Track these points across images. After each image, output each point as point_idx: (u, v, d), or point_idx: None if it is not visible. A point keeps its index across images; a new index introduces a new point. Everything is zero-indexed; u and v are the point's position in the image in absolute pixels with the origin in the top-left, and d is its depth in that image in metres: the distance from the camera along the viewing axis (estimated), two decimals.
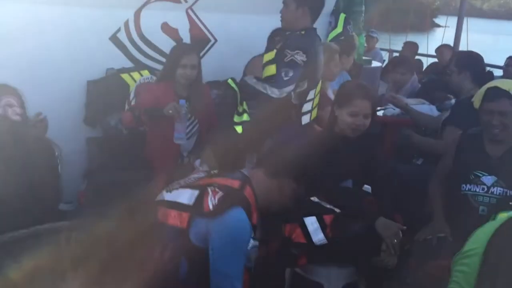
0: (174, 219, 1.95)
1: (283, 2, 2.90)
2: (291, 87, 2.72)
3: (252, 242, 2.02)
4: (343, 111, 2.56)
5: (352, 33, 4.48)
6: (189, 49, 3.19)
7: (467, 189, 2.57)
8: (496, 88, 2.60)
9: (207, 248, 1.90)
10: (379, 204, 2.52)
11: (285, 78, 2.69)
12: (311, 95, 2.87)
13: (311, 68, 2.81)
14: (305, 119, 2.90)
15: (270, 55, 2.84)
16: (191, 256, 1.93)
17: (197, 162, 3.13)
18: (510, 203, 2.27)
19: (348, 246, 2.30)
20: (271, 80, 2.77)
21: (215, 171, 2.18)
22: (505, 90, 2.53)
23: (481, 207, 2.53)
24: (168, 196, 2.06)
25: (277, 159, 2.20)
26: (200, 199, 1.95)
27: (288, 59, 2.70)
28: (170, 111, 2.84)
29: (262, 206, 2.06)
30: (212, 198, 1.93)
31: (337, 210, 2.38)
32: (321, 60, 2.92)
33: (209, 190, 1.96)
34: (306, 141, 2.71)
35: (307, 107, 2.88)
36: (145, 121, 2.96)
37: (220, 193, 1.94)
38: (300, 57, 2.72)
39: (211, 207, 1.91)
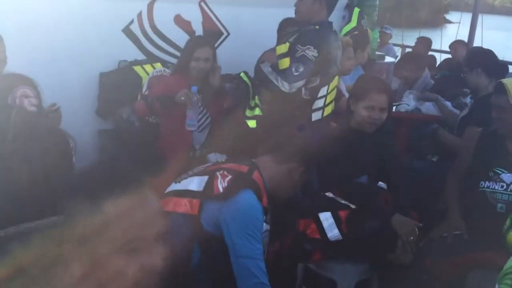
0: (185, 206, 1.96)
1: None
2: (301, 83, 2.69)
3: (264, 226, 2.02)
4: (359, 104, 2.55)
5: (366, 27, 4.44)
6: (203, 42, 3.17)
7: (485, 186, 2.54)
8: (499, 83, 2.60)
9: (220, 234, 1.90)
10: (395, 201, 2.49)
11: (295, 73, 2.66)
12: (323, 91, 2.83)
13: (324, 64, 2.77)
14: (317, 116, 2.86)
15: (284, 48, 2.80)
16: (203, 242, 1.94)
17: (211, 156, 3.12)
18: None
19: (363, 243, 2.27)
20: (283, 74, 2.74)
21: (223, 161, 2.21)
22: (503, 85, 2.51)
23: (499, 205, 2.49)
24: (177, 186, 2.08)
25: (287, 145, 2.20)
26: (210, 184, 1.97)
27: (299, 54, 2.67)
28: (182, 98, 2.83)
29: (270, 191, 2.07)
30: (222, 181, 1.95)
31: (353, 206, 2.36)
32: (336, 56, 2.87)
33: (218, 174, 1.98)
34: (319, 133, 2.69)
35: (318, 103, 2.84)
36: (158, 109, 2.95)
37: (229, 177, 1.96)
38: (311, 53, 2.68)
39: (221, 189, 1.93)
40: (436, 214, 2.79)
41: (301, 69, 2.69)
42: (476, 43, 6.69)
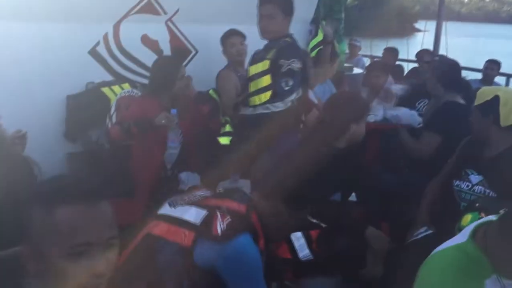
0: (178, 236, 1.89)
1: (266, 15, 2.86)
2: (294, 96, 2.71)
3: None
4: (360, 124, 2.60)
5: (334, 40, 4.51)
6: (182, 61, 3.20)
7: (455, 184, 2.65)
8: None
9: (211, 270, 1.85)
10: (366, 214, 2.52)
11: (286, 88, 2.68)
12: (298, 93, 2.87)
13: (305, 74, 2.81)
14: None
15: (263, 66, 2.79)
16: (193, 277, 1.86)
17: (182, 175, 3.11)
18: (477, 205, 2.33)
19: (334, 260, 2.28)
20: (265, 91, 2.74)
21: (221, 191, 2.15)
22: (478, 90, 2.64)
23: (462, 203, 2.59)
24: (171, 211, 2.01)
25: (268, 181, 2.19)
26: (208, 221, 1.90)
27: (285, 69, 2.69)
28: (163, 121, 2.83)
29: (264, 231, 2.03)
30: (221, 222, 1.88)
31: (323, 225, 2.37)
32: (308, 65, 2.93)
33: (218, 213, 1.91)
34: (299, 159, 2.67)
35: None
36: (135, 133, 2.92)
37: (228, 219, 1.90)
38: (296, 65, 2.72)
39: (219, 231, 1.86)
40: (406, 224, 2.85)
41: (290, 83, 2.72)
42: (441, 50, 6.87)
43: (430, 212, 2.73)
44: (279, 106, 2.70)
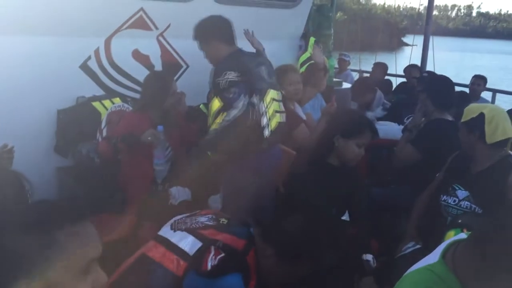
0: (172, 264, 1.88)
1: (199, 48, 3.00)
2: (244, 100, 2.72)
3: None
4: (350, 142, 2.56)
5: (323, 56, 4.57)
6: (172, 77, 3.21)
7: (443, 199, 2.71)
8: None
9: None
10: (358, 233, 2.55)
11: (232, 96, 2.70)
12: (262, 108, 2.88)
13: (250, 83, 2.81)
14: (266, 132, 2.90)
15: (217, 102, 2.81)
16: None
17: (173, 190, 3.12)
18: (459, 221, 2.37)
19: (322, 280, 2.29)
20: (218, 114, 2.76)
21: (224, 221, 2.09)
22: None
23: (449, 218, 2.65)
24: (170, 235, 2.00)
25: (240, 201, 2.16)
26: (201, 253, 1.88)
27: (223, 85, 2.73)
28: (149, 138, 2.83)
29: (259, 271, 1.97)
30: (213, 258, 1.85)
31: None
32: (259, 73, 2.91)
33: (213, 248, 1.88)
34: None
35: (263, 121, 2.88)
36: (123, 149, 2.93)
37: (221, 255, 1.87)
38: (231, 76, 2.73)
39: (209, 267, 1.84)
40: (396, 237, 2.88)
41: (233, 90, 2.72)
42: (429, 64, 6.98)
43: (418, 227, 2.77)
44: (233, 113, 2.72)
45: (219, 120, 2.76)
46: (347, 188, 2.59)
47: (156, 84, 3.10)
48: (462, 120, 2.65)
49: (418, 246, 2.61)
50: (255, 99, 2.84)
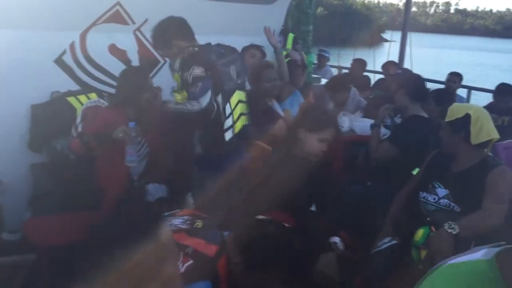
0: None
1: (163, 56, 3.04)
2: (208, 96, 2.73)
3: None
4: (313, 136, 2.56)
5: (302, 52, 4.58)
6: (149, 73, 3.19)
7: (422, 196, 2.74)
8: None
9: None
10: (326, 224, 2.57)
11: (197, 90, 2.72)
12: (228, 109, 2.87)
13: (215, 80, 2.82)
14: (228, 135, 2.90)
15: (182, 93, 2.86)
16: None
17: (150, 187, 3.09)
18: (428, 218, 2.42)
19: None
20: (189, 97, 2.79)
21: (199, 224, 2.06)
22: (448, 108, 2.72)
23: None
24: None
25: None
26: None
27: (190, 79, 2.74)
28: (120, 135, 2.80)
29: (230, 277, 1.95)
30: (181, 265, 1.83)
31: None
32: (228, 72, 2.90)
33: (182, 254, 1.86)
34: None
35: (228, 122, 2.88)
36: (95, 146, 2.88)
37: (190, 262, 1.84)
38: (198, 70, 2.75)
39: None
40: (375, 233, 2.92)
41: (199, 84, 2.73)
42: (407, 60, 7.05)
43: (396, 223, 2.80)
44: (194, 105, 2.75)
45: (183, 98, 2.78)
46: (312, 181, 2.61)
47: (132, 80, 3.06)
48: (447, 119, 2.66)
49: (394, 242, 2.64)
50: (219, 99, 2.83)
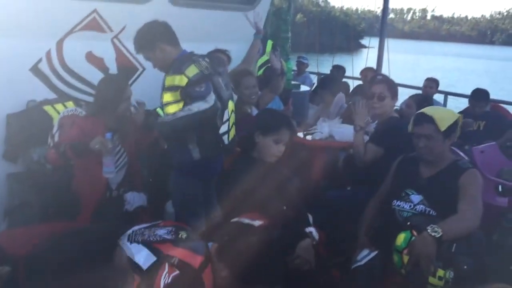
0: None
1: (145, 58, 2.94)
2: (212, 95, 2.69)
3: None
4: (267, 138, 2.71)
5: (280, 59, 4.61)
6: (127, 82, 3.15)
7: (396, 204, 2.77)
8: (422, 113, 2.78)
9: None
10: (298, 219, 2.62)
11: (203, 89, 2.65)
12: (226, 115, 2.87)
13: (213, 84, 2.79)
14: (225, 139, 2.88)
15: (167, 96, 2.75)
16: None
17: (128, 196, 3.06)
18: (408, 223, 2.45)
19: None
20: (191, 99, 2.68)
21: (184, 234, 2.06)
22: (429, 116, 2.71)
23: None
24: (127, 246, 1.97)
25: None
26: (154, 269, 1.85)
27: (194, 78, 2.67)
28: (97, 146, 2.76)
29: None
30: (167, 276, 1.83)
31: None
32: (218, 82, 2.86)
33: (167, 265, 1.86)
34: None
35: (224, 128, 2.87)
36: (71, 157, 2.84)
37: (176, 272, 1.84)
38: (196, 71, 2.71)
39: (162, 285, 1.81)
40: (353, 237, 2.94)
41: (203, 84, 2.68)
42: (384, 66, 7.14)
43: (372, 233, 2.82)
44: (201, 105, 2.64)
45: (173, 109, 2.69)
46: (276, 182, 2.66)
47: (109, 88, 3.03)
48: (442, 129, 2.67)
49: (373, 254, 2.65)
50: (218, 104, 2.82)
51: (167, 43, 2.85)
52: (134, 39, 2.89)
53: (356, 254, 2.70)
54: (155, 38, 2.84)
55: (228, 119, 2.88)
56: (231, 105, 2.93)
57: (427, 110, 2.82)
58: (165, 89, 2.72)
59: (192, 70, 2.68)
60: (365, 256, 2.66)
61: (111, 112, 3.00)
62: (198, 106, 2.65)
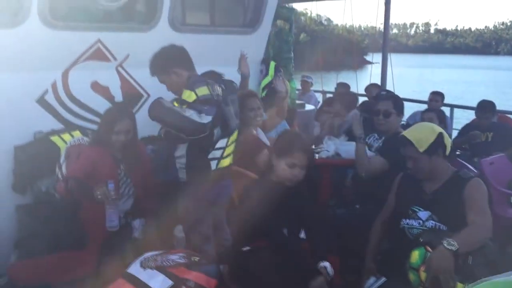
0: None
1: (160, 81, 3.02)
2: (209, 119, 2.72)
3: None
4: (281, 161, 2.60)
5: (284, 79, 4.64)
6: (122, 115, 3.11)
7: (405, 223, 2.74)
8: (402, 136, 2.82)
9: None
10: (314, 250, 2.57)
11: (204, 109, 2.70)
12: (222, 143, 2.89)
13: (221, 116, 2.85)
14: (212, 165, 2.91)
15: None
16: None
17: (136, 223, 3.06)
18: (421, 239, 2.42)
19: None
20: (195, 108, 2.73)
21: (196, 259, 2.08)
22: (408, 139, 2.73)
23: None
24: (140, 272, 1.98)
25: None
26: None
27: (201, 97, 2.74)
28: (99, 196, 2.76)
29: None
30: None
31: None
32: (229, 111, 2.95)
33: None
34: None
35: (215, 154, 2.89)
36: (77, 196, 2.89)
37: None
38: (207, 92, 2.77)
39: None
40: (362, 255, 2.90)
41: (207, 106, 2.73)
42: (389, 81, 7.15)
43: (382, 257, 2.78)
44: (195, 118, 2.69)
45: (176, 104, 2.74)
46: (294, 206, 2.62)
47: (102, 121, 3.13)
48: (421, 150, 2.67)
49: (381, 281, 2.62)
50: (219, 131, 2.84)
51: (183, 68, 2.92)
52: (150, 62, 2.96)
53: (363, 282, 2.66)
54: (171, 62, 2.90)
55: (224, 148, 2.89)
56: (234, 135, 2.96)
57: (407, 132, 2.83)
58: (175, 99, 2.81)
59: (202, 90, 2.74)
60: (372, 284, 2.63)
61: (106, 143, 3.02)
62: (191, 114, 2.69)
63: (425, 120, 4.37)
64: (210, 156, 2.86)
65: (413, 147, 2.69)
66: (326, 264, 2.47)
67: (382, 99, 3.70)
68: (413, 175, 2.80)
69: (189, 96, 2.72)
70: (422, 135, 2.73)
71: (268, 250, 2.39)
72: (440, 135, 2.70)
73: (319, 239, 2.62)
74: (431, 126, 2.87)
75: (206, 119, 2.70)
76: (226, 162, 2.92)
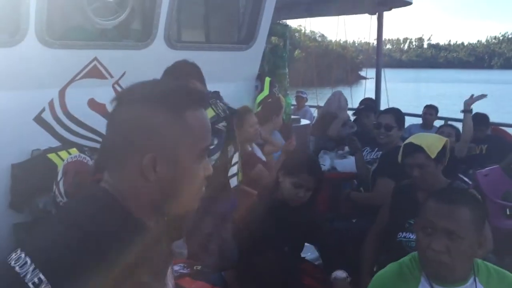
0: None
1: None
2: (217, 154, 2.74)
3: None
4: (287, 180, 2.59)
5: (279, 94, 4.68)
6: None
7: (402, 236, 2.72)
8: (410, 143, 2.78)
9: None
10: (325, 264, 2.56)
11: (211, 147, 2.72)
12: (235, 158, 2.90)
13: (233, 132, 2.87)
14: (233, 182, 2.91)
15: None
16: None
17: None
18: None
19: None
20: None
21: (198, 267, 2.08)
22: (418, 145, 2.71)
23: (414, 253, 2.63)
24: None
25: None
26: None
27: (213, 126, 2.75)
28: None
29: None
30: None
31: None
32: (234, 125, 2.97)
33: None
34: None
35: (233, 170, 2.89)
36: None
37: None
38: (222, 124, 2.78)
39: None
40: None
41: (215, 142, 2.74)
42: (383, 96, 7.22)
43: (378, 269, 2.78)
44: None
45: None
46: (299, 225, 2.61)
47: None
48: (433, 156, 2.68)
49: None
50: (232, 148, 2.86)
51: (197, 81, 2.94)
52: (161, 77, 2.96)
53: None
54: (186, 75, 2.92)
55: (237, 162, 2.92)
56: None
57: (414, 139, 2.82)
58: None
59: (208, 113, 2.75)
60: None
61: None
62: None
63: (444, 134, 4.38)
64: (230, 173, 2.85)
65: (423, 153, 2.67)
66: (337, 273, 2.46)
67: (384, 113, 3.72)
68: (409, 185, 2.81)
69: None
70: (432, 141, 2.74)
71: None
72: (445, 144, 2.73)
73: (332, 255, 2.63)
74: (434, 134, 2.91)
75: (213, 159, 2.71)
76: (240, 175, 2.95)
